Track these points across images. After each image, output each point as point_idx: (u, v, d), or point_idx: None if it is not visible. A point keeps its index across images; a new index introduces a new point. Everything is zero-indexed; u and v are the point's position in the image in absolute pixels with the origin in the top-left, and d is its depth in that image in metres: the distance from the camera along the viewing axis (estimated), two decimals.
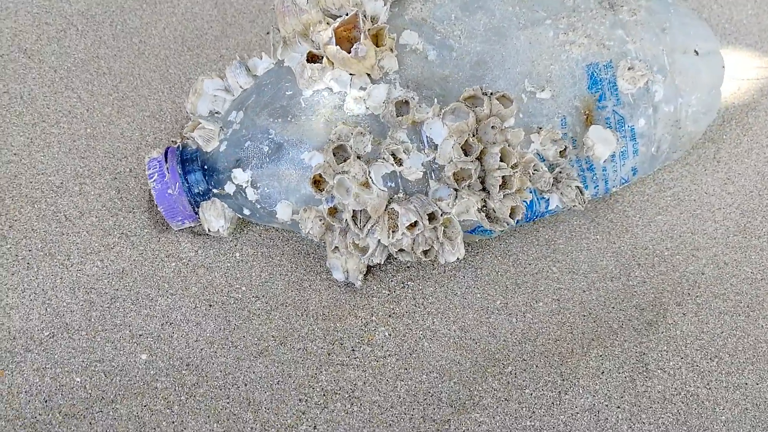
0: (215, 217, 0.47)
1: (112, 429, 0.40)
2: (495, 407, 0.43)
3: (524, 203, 0.47)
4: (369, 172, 0.43)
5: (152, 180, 0.46)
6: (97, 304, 0.45)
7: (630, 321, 0.47)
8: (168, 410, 0.41)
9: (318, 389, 0.42)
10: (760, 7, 0.70)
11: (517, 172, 0.45)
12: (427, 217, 0.43)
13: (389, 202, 0.44)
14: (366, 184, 0.43)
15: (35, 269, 0.46)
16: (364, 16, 0.47)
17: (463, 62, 0.47)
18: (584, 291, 0.49)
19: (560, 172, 0.47)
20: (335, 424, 0.41)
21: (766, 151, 0.59)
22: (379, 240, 0.44)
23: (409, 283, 0.48)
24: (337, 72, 0.44)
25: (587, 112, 0.49)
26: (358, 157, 0.43)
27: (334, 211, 0.43)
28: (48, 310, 0.44)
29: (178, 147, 0.48)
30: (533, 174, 0.46)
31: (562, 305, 0.48)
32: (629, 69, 0.48)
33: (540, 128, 0.47)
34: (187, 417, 0.40)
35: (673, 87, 0.50)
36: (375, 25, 0.45)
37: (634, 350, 0.46)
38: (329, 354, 0.44)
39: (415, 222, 0.43)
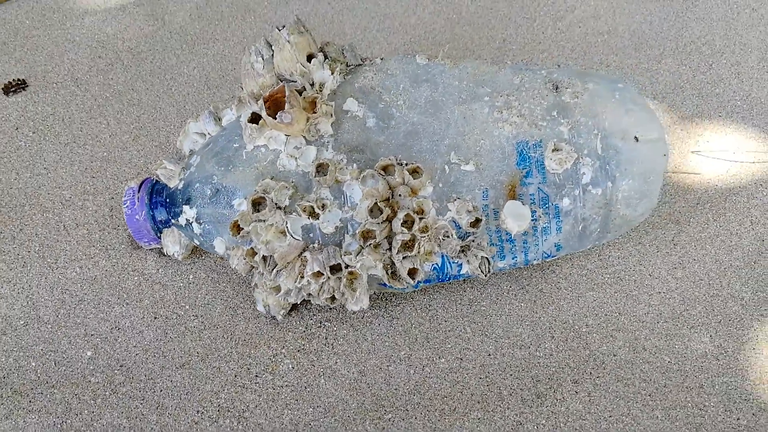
0: (172, 243, 0.55)
1: (44, 409, 0.48)
2: None
3: (434, 267, 0.51)
4: (286, 222, 0.49)
5: (125, 206, 0.55)
6: (67, 303, 0.54)
7: (521, 390, 0.49)
8: (92, 401, 0.49)
9: (215, 405, 0.49)
10: None
11: (425, 237, 0.49)
12: (329, 269, 0.48)
13: (304, 250, 0.50)
14: (283, 233, 0.49)
15: (28, 268, 0.56)
16: (312, 84, 0.53)
17: (399, 131, 0.52)
18: (489, 354, 0.52)
19: (472, 241, 0.51)
20: None
21: (733, 240, 0.58)
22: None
23: (326, 323, 0.53)
24: (274, 132, 0.50)
25: (511, 187, 0.51)
26: (279, 208, 0.49)
27: (252, 253, 0.50)
28: (29, 303, 0.54)
29: (153, 180, 0.56)
30: (443, 240, 0.50)
31: (462, 364, 0.51)
32: (555, 150, 0.51)
33: (457, 198, 0.50)
34: (105, 410, 0.48)
35: (603, 171, 0.51)
36: (310, 95, 0.51)
37: (513, 419, 0.48)
38: (236, 376, 0.50)
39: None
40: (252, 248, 0.49)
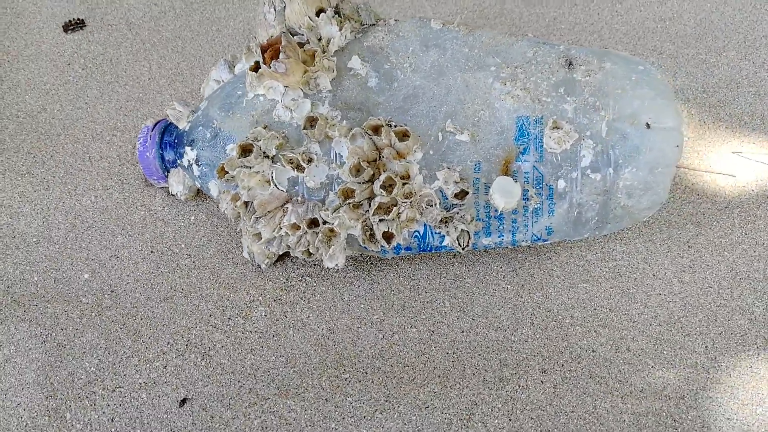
0: (176, 182, 0.57)
1: (35, 320, 0.52)
2: (312, 403, 0.47)
3: (415, 234, 0.50)
4: (272, 171, 0.50)
5: (138, 143, 0.57)
6: (77, 228, 0.58)
7: (485, 371, 0.48)
8: (78, 320, 0.52)
9: (185, 339, 0.50)
10: None
11: (407, 203, 0.48)
12: (306, 222, 0.49)
13: (287, 202, 0.50)
14: (268, 182, 0.50)
15: (50, 191, 0.60)
16: (319, 39, 0.53)
17: (399, 93, 0.51)
18: (462, 331, 0.50)
19: (457, 213, 0.49)
20: (182, 370, 0.49)
21: (757, 250, 0.53)
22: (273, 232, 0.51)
23: (307, 278, 0.54)
24: (273, 82, 0.51)
25: (506, 162, 0.49)
26: (267, 157, 0.50)
27: (236, 198, 0.51)
28: (44, 223, 0.58)
29: (167, 120, 0.58)
30: (425, 208, 0.49)
31: (433, 337, 0.50)
32: (554, 128, 0.48)
33: (448, 167, 0.49)
34: (87, 329, 0.51)
35: (604, 156, 0.48)
36: (310, 48, 0.51)
37: (469, 398, 0.47)
38: (210, 315, 0.52)
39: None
40: (236, 193, 0.51)
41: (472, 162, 0.49)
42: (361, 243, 0.49)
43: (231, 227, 0.57)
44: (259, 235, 0.51)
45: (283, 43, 0.48)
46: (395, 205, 0.48)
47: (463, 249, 0.48)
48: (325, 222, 0.49)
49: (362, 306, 0.52)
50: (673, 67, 0.66)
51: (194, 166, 0.54)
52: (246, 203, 0.50)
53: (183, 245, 0.56)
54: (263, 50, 0.49)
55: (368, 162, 0.49)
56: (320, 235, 0.49)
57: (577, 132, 0.48)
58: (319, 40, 0.53)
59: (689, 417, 0.45)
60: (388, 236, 0.48)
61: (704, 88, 0.64)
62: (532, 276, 0.53)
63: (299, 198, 0.50)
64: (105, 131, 0.64)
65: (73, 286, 0.54)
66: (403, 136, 0.49)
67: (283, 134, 0.50)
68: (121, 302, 0.53)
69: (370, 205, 0.49)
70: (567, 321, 0.50)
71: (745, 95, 0.63)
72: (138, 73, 0.70)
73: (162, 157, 0.57)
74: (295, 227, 0.49)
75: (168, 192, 0.60)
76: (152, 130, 0.57)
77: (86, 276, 0.55)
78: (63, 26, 0.74)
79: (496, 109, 0.50)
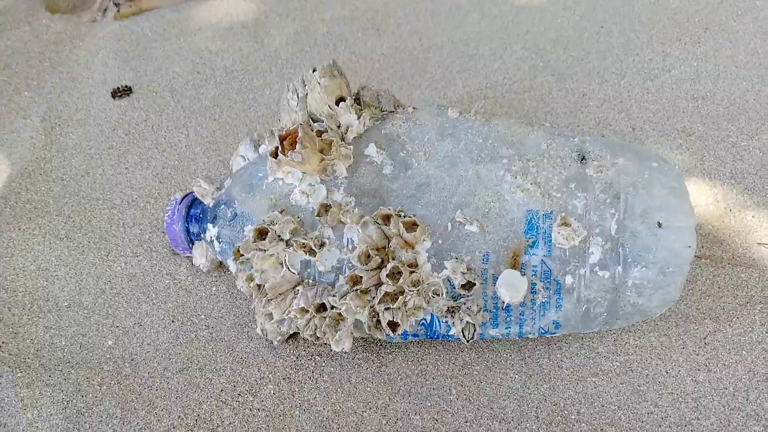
0: (200, 255, 0.60)
1: (58, 386, 0.54)
2: None
3: (422, 323, 0.51)
4: (286, 255, 0.51)
5: (166, 214, 0.60)
6: (106, 293, 0.61)
7: None
8: (98, 387, 0.54)
9: (195, 413, 0.52)
10: None
11: (413, 291, 0.49)
12: (315, 307, 0.50)
13: (299, 284, 0.52)
14: (281, 264, 0.51)
15: (85, 255, 0.63)
16: (338, 126, 0.55)
17: (412, 182, 0.52)
18: (466, 422, 0.50)
19: (464, 303, 0.50)
20: None
21: None
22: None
23: (317, 357, 0.55)
24: (291, 168, 0.53)
25: (514, 255, 0.50)
26: (282, 240, 0.52)
27: (250, 278, 0.52)
28: (77, 287, 0.61)
29: (194, 194, 0.61)
30: (432, 297, 0.49)
31: (436, 426, 0.50)
32: (563, 224, 0.48)
33: (457, 258, 0.50)
34: (106, 397, 0.54)
35: (613, 254, 0.48)
36: (327, 138, 0.52)
37: None
38: (221, 390, 0.53)
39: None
40: (250, 274, 0.52)
41: (481, 253, 0.50)
42: (367, 330, 0.50)
43: (248, 301, 0.59)
44: (270, 315, 0.53)
45: (299, 135, 0.50)
46: (402, 293, 0.49)
47: (467, 341, 0.48)
48: (332, 307, 0.50)
49: (369, 389, 0.53)
50: (702, 150, 0.66)
51: (215, 242, 0.56)
52: (259, 285, 0.52)
53: (203, 316, 0.58)
54: (281, 139, 0.51)
55: (377, 249, 0.50)
56: (327, 319, 0.50)
57: (585, 229, 0.48)
58: (338, 127, 0.55)
59: None
60: (393, 324, 0.49)
61: (732, 173, 0.63)
62: (540, 366, 0.53)
63: (310, 281, 0.52)
64: (140, 198, 0.68)
65: (96, 353, 0.57)
66: (412, 226, 0.50)
67: (298, 219, 0.52)
68: (140, 371, 0.55)
69: (377, 292, 0.50)
70: (573, 417, 0.50)
71: None
72: (176, 140, 0.73)
73: (188, 230, 0.59)
74: (304, 311, 0.50)
75: (192, 261, 0.62)
76: (180, 204, 0.60)
77: (110, 343, 0.57)
78: (111, 92, 0.79)
79: (507, 202, 0.50)
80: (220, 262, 0.61)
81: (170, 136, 0.74)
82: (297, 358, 0.55)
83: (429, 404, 0.52)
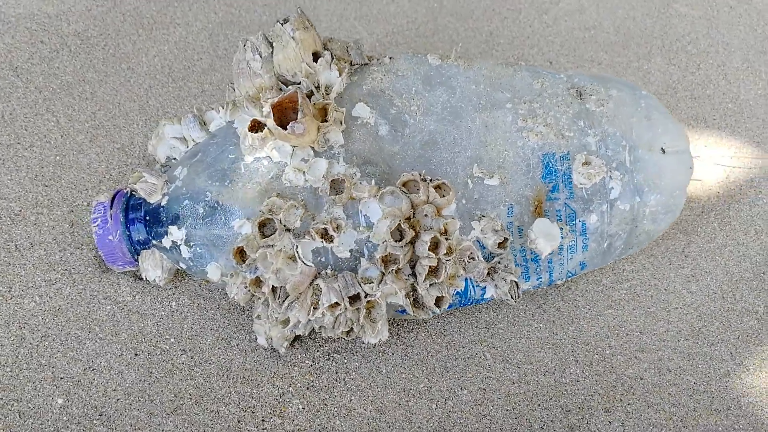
0: (153, 267, 0.48)
1: None
2: None
3: (456, 291, 0.47)
4: (297, 246, 0.43)
5: (95, 224, 0.47)
6: (28, 340, 0.46)
7: (552, 423, 0.46)
8: None
9: None
10: None
11: (450, 260, 0.44)
12: (348, 300, 0.43)
13: (316, 278, 0.44)
14: (292, 258, 0.43)
15: None
16: (317, 86, 0.47)
17: (414, 140, 0.47)
18: (513, 383, 0.48)
19: (499, 263, 0.46)
20: None
21: (741, 250, 0.56)
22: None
23: (334, 355, 0.48)
24: (278, 142, 0.44)
25: (537, 203, 0.47)
26: (288, 230, 0.43)
27: (257, 282, 0.43)
28: None
29: (126, 192, 0.48)
30: (468, 262, 0.45)
31: (487, 395, 0.47)
32: (584, 164, 0.47)
33: (483, 216, 0.46)
34: None
35: (631, 185, 0.48)
36: (320, 101, 0.45)
37: None
38: (239, 421, 0.44)
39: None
40: (258, 277, 0.43)
41: (505, 206, 0.47)
42: (410, 311, 0.44)
43: (224, 309, 0.50)
44: (286, 321, 0.44)
45: (300, 101, 0.41)
46: (441, 265, 0.44)
47: (516, 301, 0.46)
48: (366, 295, 0.44)
49: (404, 376, 0.47)
50: (617, 76, 0.69)
51: (182, 248, 0.45)
52: (274, 288, 0.43)
53: (172, 339, 0.48)
54: (274, 109, 0.42)
55: (405, 221, 0.44)
56: (362, 310, 0.44)
57: (604, 165, 0.48)
58: (317, 87, 0.47)
59: (741, 426, 0.47)
60: (437, 300, 0.44)
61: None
62: (559, 310, 0.52)
63: (328, 271, 0.44)
64: (25, 209, 0.52)
65: (46, 418, 0.43)
66: (439, 188, 0.45)
67: (302, 202, 0.44)
68: (118, 426, 0.43)
69: (413, 269, 0.45)
70: (607, 352, 0.50)
71: (684, 100, 0.67)
72: (44, 129, 0.58)
73: (130, 239, 0.47)
74: (334, 306, 0.43)
75: (134, 276, 0.50)
76: (111, 208, 0.47)
77: (60, 401, 0.44)
78: None
79: (520, 148, 0.47)
80: (177, 270, 0.50)
81: (34, 126, 0.58)
82: (313, 361, 0.47)
83: (470, 375, 0.48)
